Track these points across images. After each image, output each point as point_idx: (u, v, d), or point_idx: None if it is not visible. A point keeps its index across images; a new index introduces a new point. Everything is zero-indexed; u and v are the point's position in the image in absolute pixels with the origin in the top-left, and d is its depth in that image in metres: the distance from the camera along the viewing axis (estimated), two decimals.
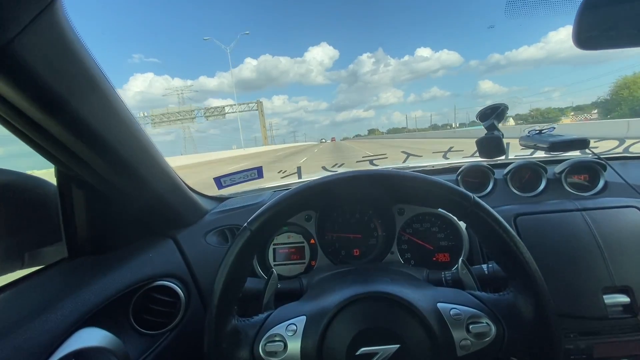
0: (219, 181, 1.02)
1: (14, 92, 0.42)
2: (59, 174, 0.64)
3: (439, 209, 0.88)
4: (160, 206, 0.76)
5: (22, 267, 0.66)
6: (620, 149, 1.29)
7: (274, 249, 0.92)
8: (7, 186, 0.63)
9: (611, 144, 1.29)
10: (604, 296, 0.73)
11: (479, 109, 0.95)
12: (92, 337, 0.55)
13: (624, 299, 0.72)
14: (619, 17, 0.53)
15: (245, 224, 0.52)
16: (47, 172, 0.68)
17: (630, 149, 1.27)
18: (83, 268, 0.66)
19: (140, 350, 0.66)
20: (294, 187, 0.55)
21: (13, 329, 0.47)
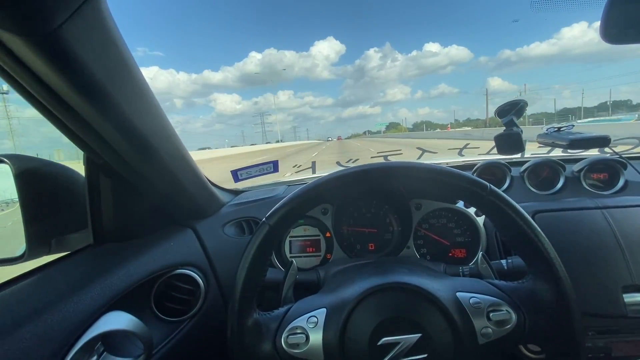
0: (235, 174, 1.04)
1: (56, 77, 0.43)
2: (87, 162, 0.66)
3: (457, 205, 0.88)
4: (182, 197, 0.77)
5: (49, 252, 0.68)
6: (639, 149, 1.26)
7: (290, 241, 0.94)
8: (36, 173, 0.65)
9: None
10: (624, 295, 0.72)
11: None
12: (119, 320, 0.57)
13: None
14: None
15: (264, 219, 0.53)
16: (76, 164, 0.71)
17: None
18: (108, 254, 0.68)
19: (162, 336, 0.68)
20: (308, 181, 0.56)
21: (44, 310, 0.49)
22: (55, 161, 0.70)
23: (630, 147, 1.27)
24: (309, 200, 0.54)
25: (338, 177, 0.54)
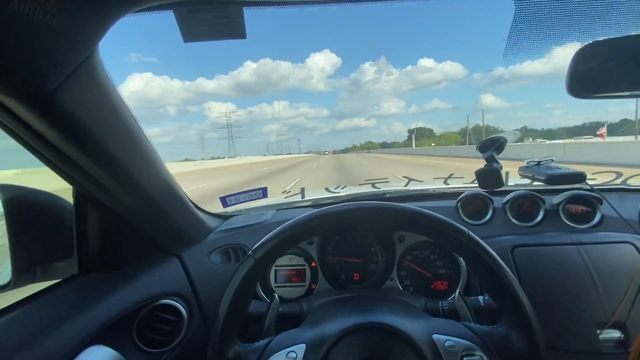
0: (224, 200, 1.06)
1: (51, 133, 0.45)
2: (76, 194, 0.67)
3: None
4: (168, 225, 0.79)
5: (34, 280, 0.68)
6: (618, 181, 1.31)
7: (276, 271, 0.95)
8: (24, 201, 0.66)
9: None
10: (598, 331, 0.74)
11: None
12: (99, 355, 0.57)
13: (617, 334, 0.74)
14: (609, 69, 0.57)
15: (250, 252, 0.55)
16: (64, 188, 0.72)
17: (628, 182, 1.29)
18: (93, 285, 0.69)
19: None
20: (298, 204, 0.58)
21: (27, 346, 0.49)
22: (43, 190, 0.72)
23: (608, 179, 1.31)
24: (297, 235, 0.56)
25: (326, 214, 0.56)
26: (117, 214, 0.70)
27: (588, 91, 0.58)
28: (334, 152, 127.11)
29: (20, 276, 0.66)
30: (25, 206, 0.66)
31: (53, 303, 0.63)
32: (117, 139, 0.55)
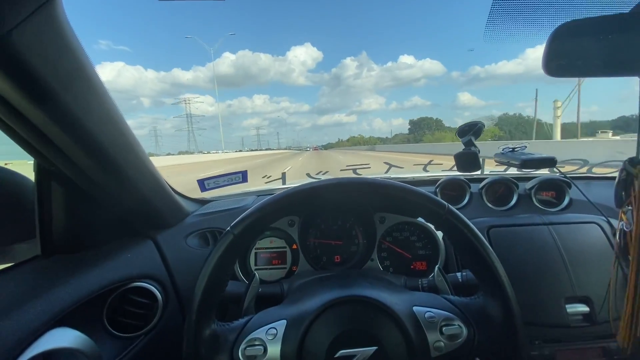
0: (202, 183, 1.02)
1: (4, 83, 0.41)
2: (38, 169, 0.62)
3: (418, 219, 0.91)
4: (141, 206, 0.75)
5: None
6: (584, 170, 1.38)
7: (256, 253, 0.93)
8: None
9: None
10: (566, 306, 0.78)
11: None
12: (64, 337, 0.53)
13: (584, 308, 0.78)
14: (584, 48, 0.59)
15: (229, 228, 0.53)
16: (22, 163, 0.66)
17: (593, 170, 1.37)
18: (57, 267, 0.64)
19: (113, 353, 0.64)
20: (278, 191, 0.57)
21: None
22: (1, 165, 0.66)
23: (576, 167, 1.39)
24: (276, 211, 0.55)
25: (306, 189, 0.55)
26: (85, 192, 0.65)
27: (564, 70, 0.59)
28: (315, 149, 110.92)
29: None
30: None
31: (10, 284, 0.58)
32: (83, 102, 0.51)
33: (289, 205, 0.55)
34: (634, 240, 0.64)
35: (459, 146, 1.00)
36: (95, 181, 0.62)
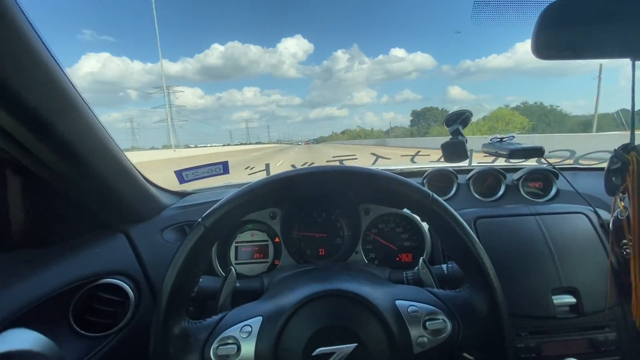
0: (180, 175, 0.97)
1: None
2: None
3: (404, 210, 0.89)
4: (110, 197, 0.70)
5: None
6: (571, 161, 1.38)
7: (236, 247, 0.89)
8: None
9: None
10: (553, 297, 0.76)
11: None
12: (21, 339, 0.49)
13: (570, 299, 0.76)
14: (574, 30, 0.56)
15: (199, 220, 0.49)
16: None
17: (580, 161, 1.37)
18: (15, 263, 0.60)
19: (80, 354, 0.61)
20: None
21: None
22: None
23: (562, 159, 1.38)
24: (250, 201, 0.51)
25: (281, 178, 0.52)
26: (46, 182, 0.60)
27: (553, 52, 0.57)
28: (307, 143, 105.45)
29: None
30: None
31: None
32: (36, 85, 0.46)
33: (263, 195, 0.51)
34: (633, 224, 0.64)
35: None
36: (55, 170, 0.57)
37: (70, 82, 0.52)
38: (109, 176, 0.65)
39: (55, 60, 0.49)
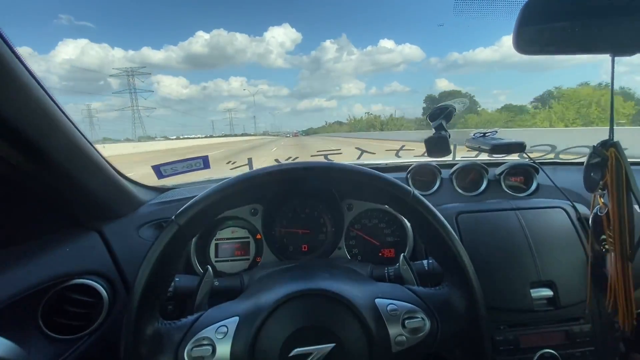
0: (158, 170, 0.94)
1: None
2: None
3: (386, 206, 0.89)
4: (79, 194, 0.67)
5: None
6: (552, 155, 1.40)
7: (217, 244, 0.87)
8: None
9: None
10: (531, 290, 0.78)
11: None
12: None
13: (548, 292, 0.78)
14: (555, 26, 0.56)
15: (173, 217, 0.48)
16: None
17: (560, 156, 1.39)
18: None
19: (49, 357, 0.58)
20: None
21: None
22: None
23: (543, 153, 1.40)
24: (227, 198, 0.49)
25: (259, 175, 0.50)
26: (6, 177, 0.57)
27: (534, 47, 0.56)
28: (295, 135, 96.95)
29: None
30: None
31: None
32: None
33: (240, 192, 0.50)
34: (613, 221, 0.64)
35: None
36: (15, 167, 0.54)
37: (27, 69, 0.48)
38: (76, 171, 0.62)
39: (11, 49, 0.45)
